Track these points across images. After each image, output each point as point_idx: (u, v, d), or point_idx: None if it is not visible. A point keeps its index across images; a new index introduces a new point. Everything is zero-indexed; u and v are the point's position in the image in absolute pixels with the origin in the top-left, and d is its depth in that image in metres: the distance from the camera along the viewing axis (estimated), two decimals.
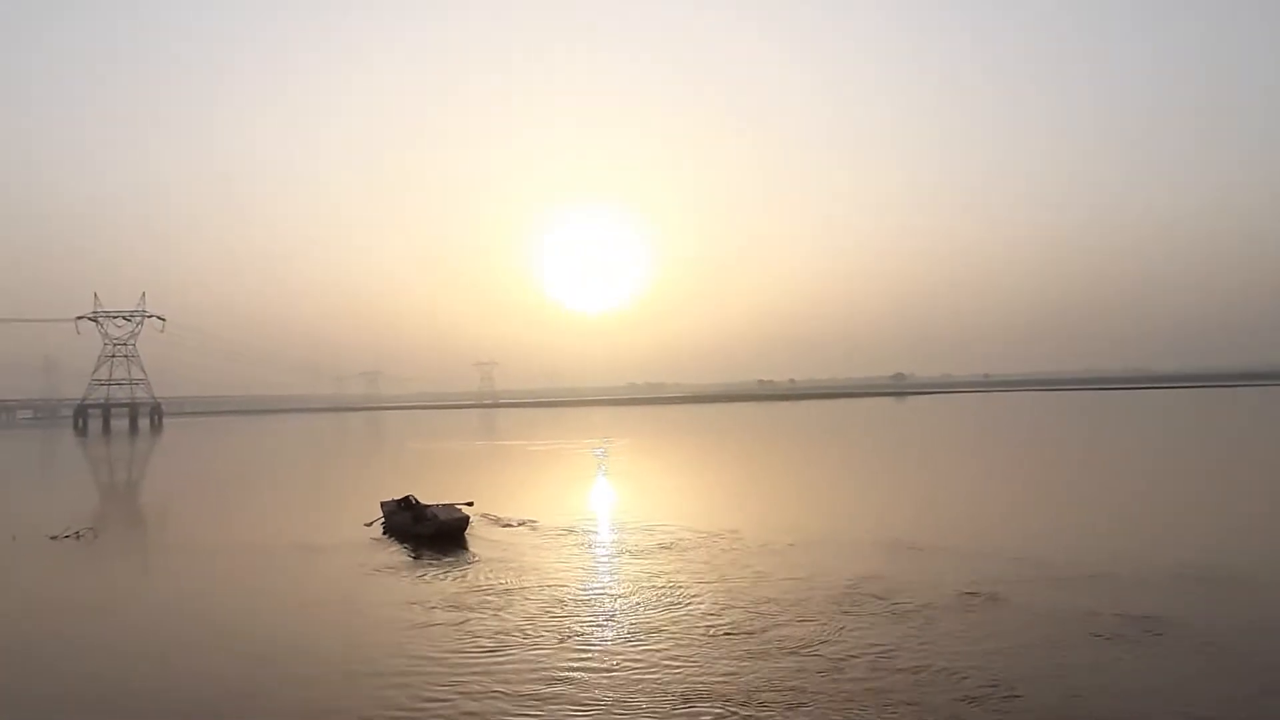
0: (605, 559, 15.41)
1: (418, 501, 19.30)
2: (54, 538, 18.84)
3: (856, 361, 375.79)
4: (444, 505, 19.10)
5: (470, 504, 19.93)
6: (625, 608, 11.84)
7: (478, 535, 18.06)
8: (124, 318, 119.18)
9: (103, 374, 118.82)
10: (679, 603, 11.99)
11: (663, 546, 16.12)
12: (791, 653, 9.59)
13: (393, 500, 20.17)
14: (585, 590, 12.98)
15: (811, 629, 10.47)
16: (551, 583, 13.48)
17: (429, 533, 17.72)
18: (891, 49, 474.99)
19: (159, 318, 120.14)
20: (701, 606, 11.73)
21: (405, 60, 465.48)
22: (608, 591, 12.82)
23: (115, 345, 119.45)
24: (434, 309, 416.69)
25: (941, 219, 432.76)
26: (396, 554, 16.64)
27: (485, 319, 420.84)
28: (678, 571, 13.95)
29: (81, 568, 16.31)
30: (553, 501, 23.29)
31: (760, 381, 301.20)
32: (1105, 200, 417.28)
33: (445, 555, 16.22)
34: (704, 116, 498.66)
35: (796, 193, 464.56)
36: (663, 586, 12.94)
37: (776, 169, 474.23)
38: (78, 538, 18.89)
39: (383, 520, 19.51)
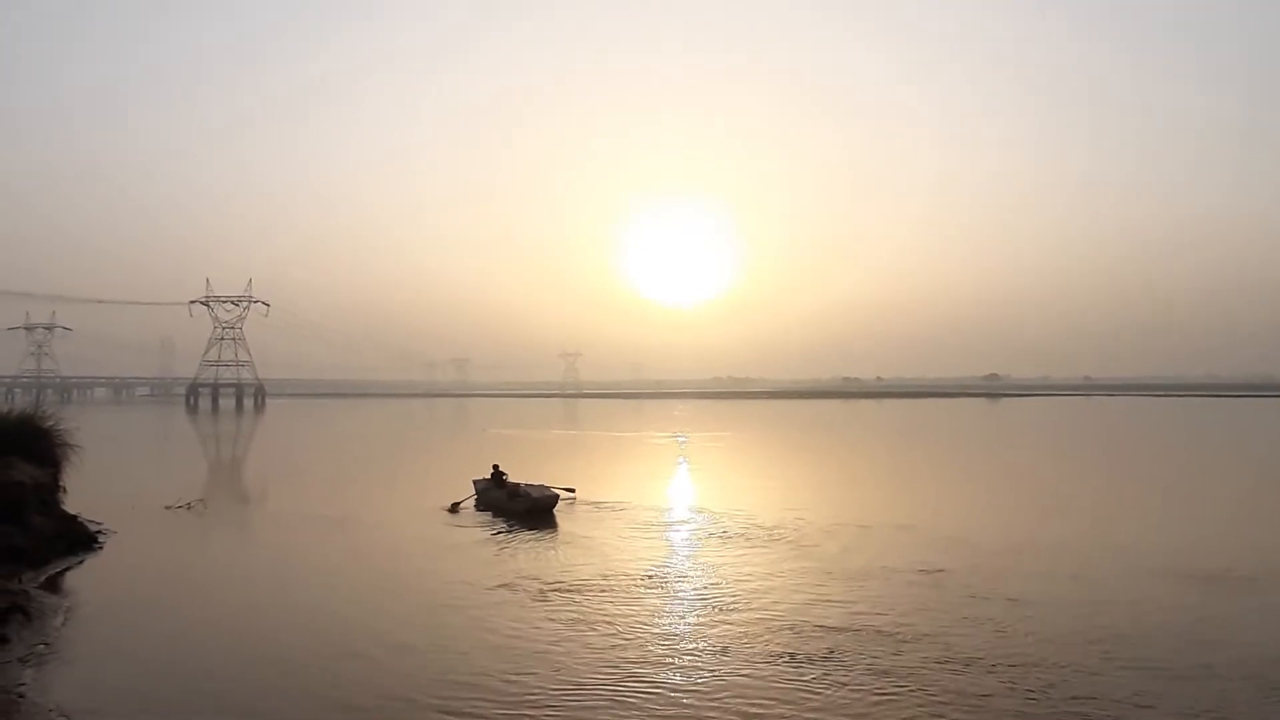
0: (756, 558, 13.91)
1: (506, 475, 20.14)
2: (168, 508, 19.56)
3: (947, 360, 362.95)
4: (535, 485, 19.78)
5: (572, 490, 20.49)
6: (811, 620, 10.03)
7: (578, 516, 18.38)
8: (232, 302, 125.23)
9: (213, 355, 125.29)
10: (903, 636, 9.47)
11: (823, 545, 14.92)
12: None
13: (484, 479, 20.79)
14: (731, 592, 11.62)
15: (1156, 691, 7.81)
16: (675, 581, 12.77)
17: (522, 509, 18.51)
18: (984, 35, 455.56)
19: (264, 303, 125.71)
20: (931, 633, 9.51)
21: (494, 57, 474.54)
22: (782, 600, 11.11)
23: (224, 328, 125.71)
24: (522, 300, 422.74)
25: (1041, 211, 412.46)
26: (493, 529, 17.20)
27: (571, 310, 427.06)
28: (871, 591, 11.55)
29: (191, 538, 16.89)
30: (643, 489, 22.91)
31: (846, 379, 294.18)
32: (1221, 191, 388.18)
33: (538, 531, 16.89)
34: (793, 108, 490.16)
35: (887, 186, 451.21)
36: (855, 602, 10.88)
37: (867, 162, 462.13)
38: (189, 509, 19.58)
39: (475, 497, 20.19)
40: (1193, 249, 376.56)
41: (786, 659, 8.83)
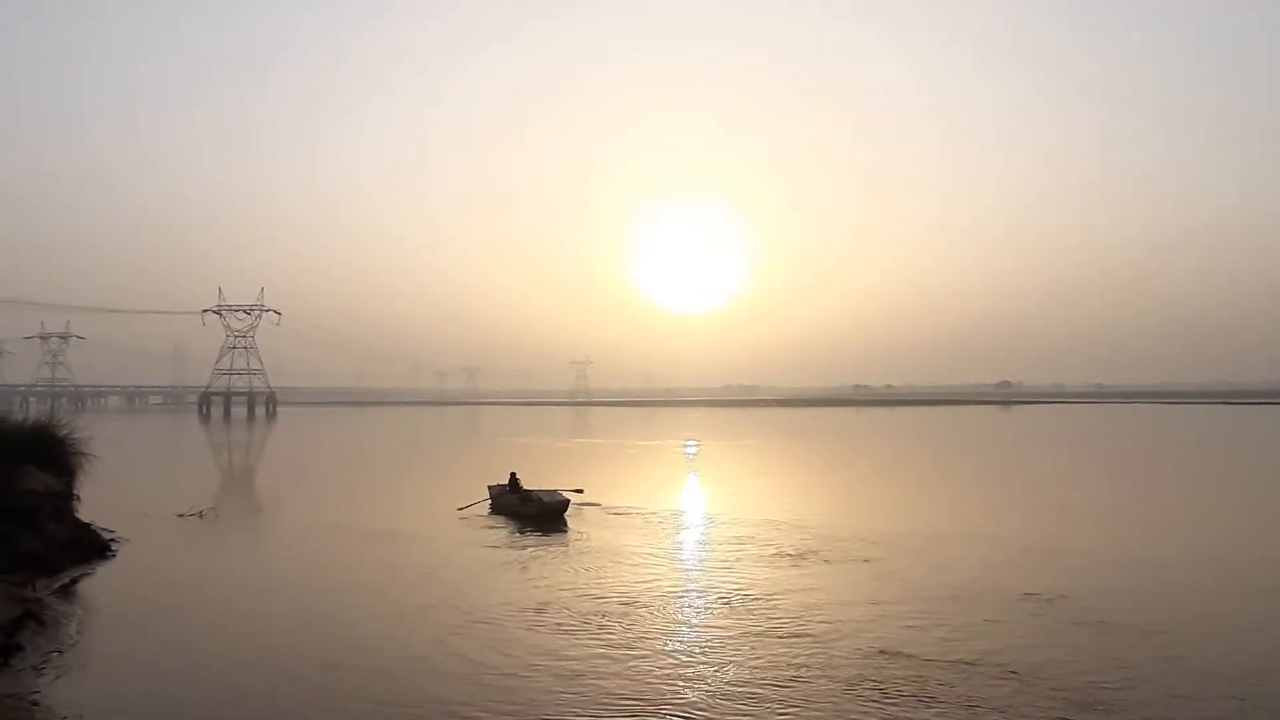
0: (820, 574, 13.02)
1: (520, 483, 20.40)
2: (180, 515, 19.42)
3: (958, 367, 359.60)
4: (547, 490, 20.05)
5: (580, 490, 20.66)
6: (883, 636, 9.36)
7: (617, 526, 18.16)
8: (244, 311, 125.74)
9: (225, 364, 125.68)
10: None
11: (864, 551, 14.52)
12: None
13: (499, 484, 21.13)
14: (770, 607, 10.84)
15: None
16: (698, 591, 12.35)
17: (534, 513, 18.84)
18: (997, 41, 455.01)
19: (275, 312, 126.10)
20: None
21: (503, 62, 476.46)
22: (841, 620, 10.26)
23: (236, 337, 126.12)
24: (532, 307, 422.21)
25: (1052, 218, 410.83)
26: (508, 537, 17.21)
27: (582, 318, 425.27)
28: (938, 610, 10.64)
29: (203, 546, 16.73)
30: (675, 498, 22.50)
31: (856, 386, 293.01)
32: (1234, 193, 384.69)
33: (549, 534, 17.16)
34: (806, 114, 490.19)
35: (899, 192, 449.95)
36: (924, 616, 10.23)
37: (879, 168, 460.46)
38: (201, 516, 19.46)
39: (489, 501, 20.65)
40: (1205, 253, 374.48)
41: (867, 688, 7.97)
